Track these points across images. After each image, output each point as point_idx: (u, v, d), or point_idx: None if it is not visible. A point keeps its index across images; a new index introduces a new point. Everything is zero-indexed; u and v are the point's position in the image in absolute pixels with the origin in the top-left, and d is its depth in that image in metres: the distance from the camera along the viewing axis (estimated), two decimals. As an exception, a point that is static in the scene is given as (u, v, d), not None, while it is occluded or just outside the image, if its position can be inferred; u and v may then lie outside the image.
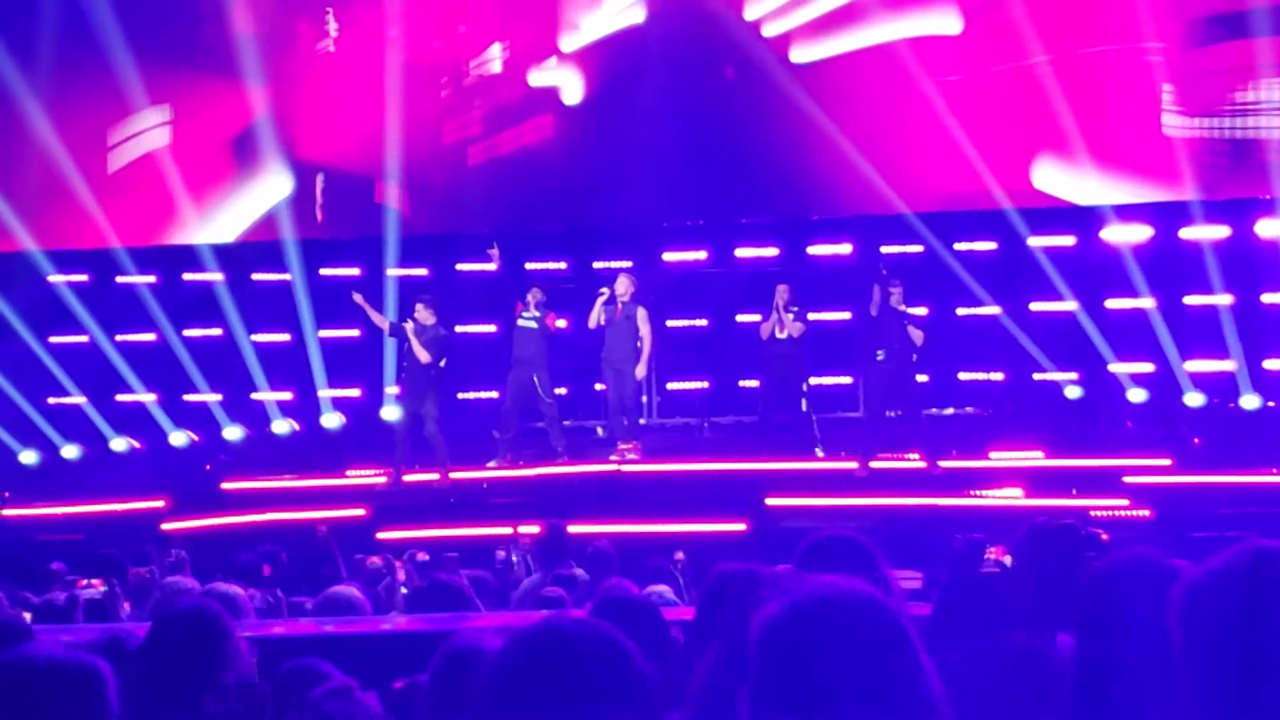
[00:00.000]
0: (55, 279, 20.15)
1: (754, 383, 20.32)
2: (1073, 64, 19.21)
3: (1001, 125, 19.30)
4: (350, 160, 20.05)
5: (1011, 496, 16.29)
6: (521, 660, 2.74)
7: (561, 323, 18.34)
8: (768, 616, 2.67)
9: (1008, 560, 9.36)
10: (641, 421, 18.90)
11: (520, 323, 18.02)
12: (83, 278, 20.35)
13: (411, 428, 17.72)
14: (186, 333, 20.31)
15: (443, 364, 17.60)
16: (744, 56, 20.06)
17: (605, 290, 17.81)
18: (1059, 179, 19.33)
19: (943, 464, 17.25)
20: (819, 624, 2.62)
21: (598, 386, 18.86)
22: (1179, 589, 2.76)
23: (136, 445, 19.92)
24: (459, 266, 20.78)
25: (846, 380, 20.34)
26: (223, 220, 20.35)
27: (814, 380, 18.77)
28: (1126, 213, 19.38)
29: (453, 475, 17.49)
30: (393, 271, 19.98)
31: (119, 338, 20.23)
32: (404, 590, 9.94)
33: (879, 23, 19.70)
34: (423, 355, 17.51)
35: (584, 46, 20.35)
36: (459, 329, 19.36)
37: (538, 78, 20.45)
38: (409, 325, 17.67)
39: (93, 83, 19.73)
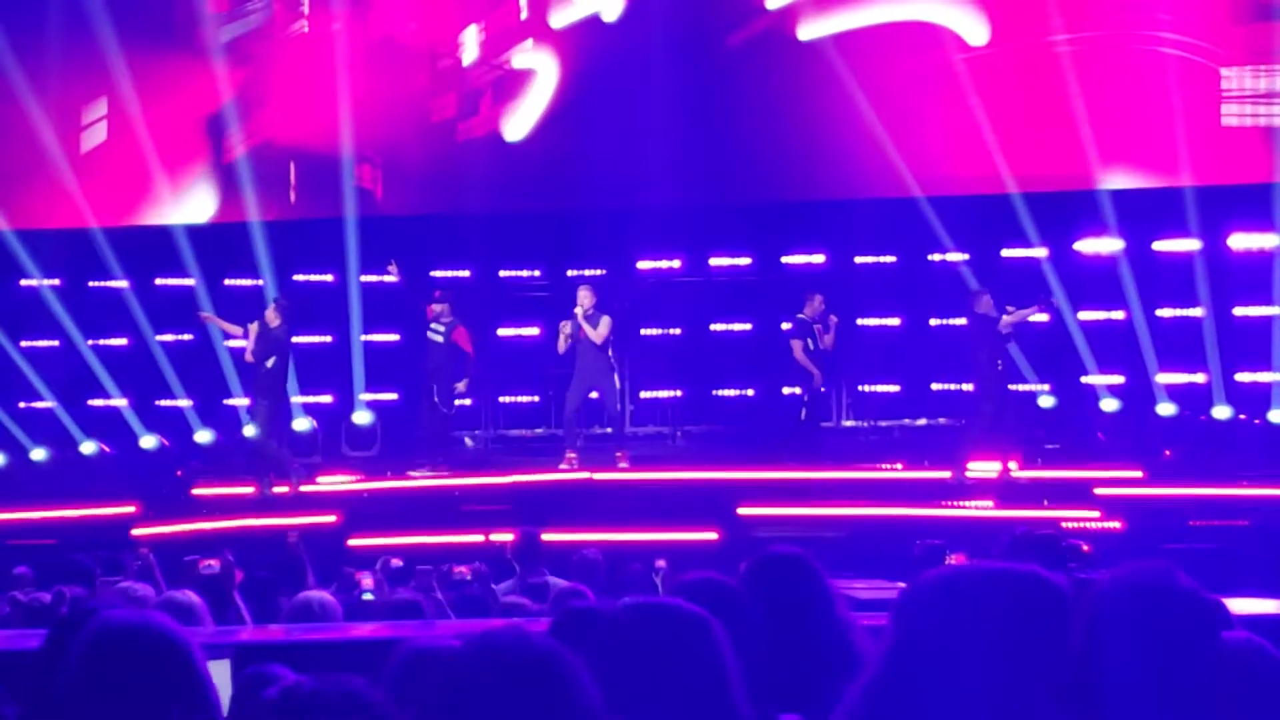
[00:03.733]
0: (29, 282, 20.10)
1: (731, 391, 20.45)
2: (1107, 47, 19.20)
3: (1016, 110, 19.24)
4: (323, 142, 19.98)
5: (983, 507, 16.30)
6: (459, 674, 2.75)
7: (526, 330, 18.33)
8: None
9: None
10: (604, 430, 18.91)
11: (428, 334, 18.06)
12: (55, 281, 20.29)
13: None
14: (160, 337, 20.23)
15: (270, 364, 17.30)
16: (743, 30, 19.95)
17: (567, 324, 17.71)
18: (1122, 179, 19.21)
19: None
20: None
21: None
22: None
23: (106, 449, 19.85)
24: (435, 273, 20.73)
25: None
26: (195, 201, 20.30)
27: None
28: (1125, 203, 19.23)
29: (303, 487, 17.39)
30: (365, 278, 19.98)
31: (91, 341, 20.16)
32: (369, 597, 9.89)
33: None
34: (249, 355, 17.45)
35: (572, 23, 20.23)
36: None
37: (519, 59, 20.39)
38: (254, 325, 17.48)
39: (65, 60, 19.73)
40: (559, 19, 20.19)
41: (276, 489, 17.26)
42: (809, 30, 19.63)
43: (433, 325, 18.07)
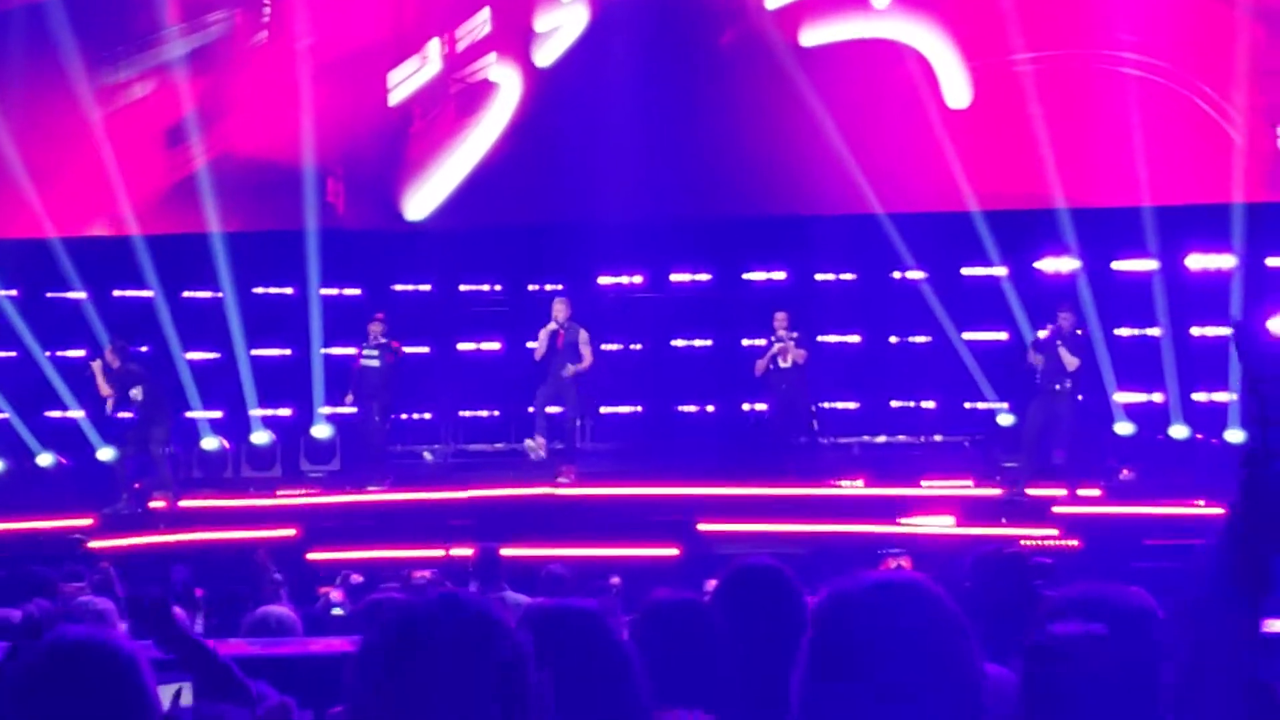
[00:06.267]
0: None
1: (691, 408, 20.49)
2: (1069, 67, 19.34)
3: (977, 127, 19.36)
4: (285, 154, 19.92)
5: (942, 525, 16.34)
6: (381, 640, 2.80)
7: (486, 345, 18.38)
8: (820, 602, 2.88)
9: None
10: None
11: (363, 362, 18.17)
12: (13, 292, 20.15)
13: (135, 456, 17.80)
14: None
15: (135, 394, 17.62)
16: (707, 44, 20.01)
17: (554, 325, 17.85)
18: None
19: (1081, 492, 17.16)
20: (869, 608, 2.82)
21: (530, 409, 18.70)
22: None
23: (63, 461, 19.71)
24: (396, 287, 20.71)
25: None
26: (155, 212, 20.19)
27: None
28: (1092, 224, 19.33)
29: (182, 503, 17.48)
30: (325, 291, 19.96)
31: (49, 353, 20.02)
32: (338, 612, 9.87)
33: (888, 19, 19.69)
34: (104, 389, 17.68)
35: (542, 39, 20.23)
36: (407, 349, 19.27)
37: (486, 70, 20.37)
38: (96, 364, 17.83)
39: (25, 70, 19.66)
40: (546, 20, 20.16)
41: (155, 503, 17.44)
42: (804, 36, 19.68)
43: (366, 351, 18.22)
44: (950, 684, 2.78)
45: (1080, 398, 17.48)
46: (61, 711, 3.29)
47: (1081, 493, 17.17)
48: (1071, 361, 17.20)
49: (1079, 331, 17.51)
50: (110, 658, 3.37)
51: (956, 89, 19.53)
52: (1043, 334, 17.48)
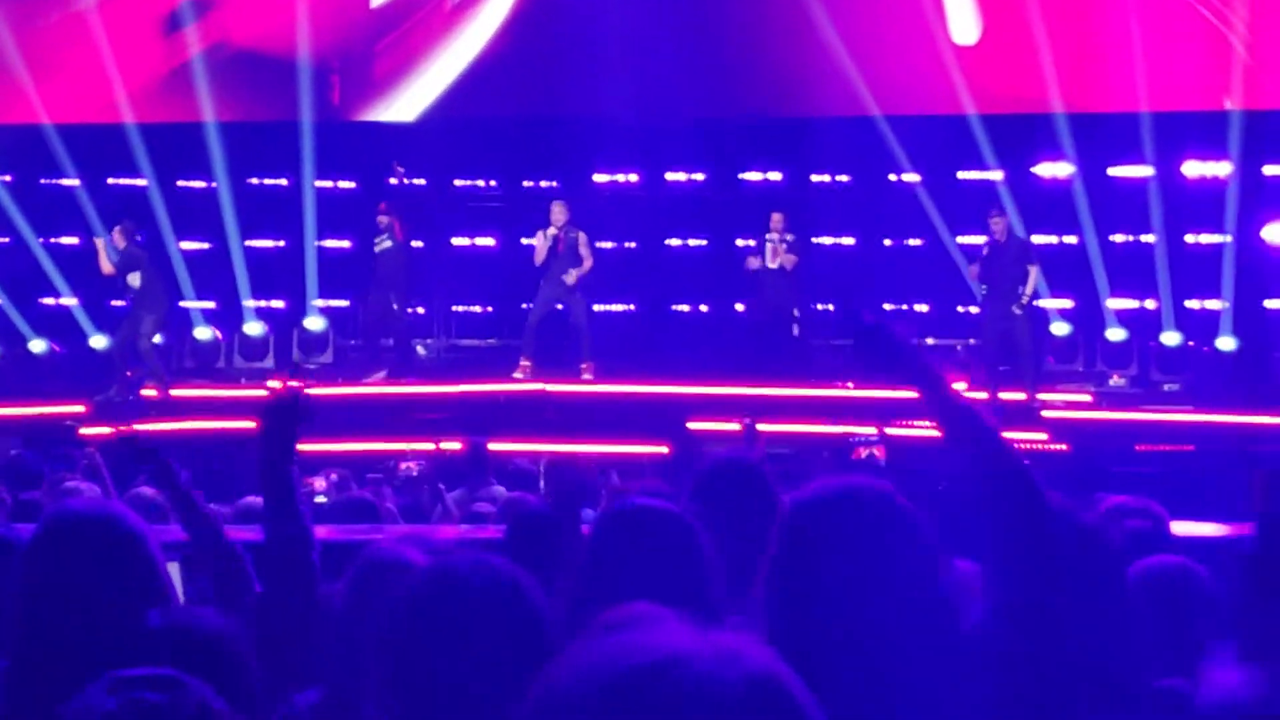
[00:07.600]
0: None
1: (684, 307, 20.48)
2: None
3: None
4: (280, 43, 19.75)
5: (929, 427, 16.31)
6: (425, 594, 2.80)
7: (481, 240, 18.28)
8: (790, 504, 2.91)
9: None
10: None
11: (377, 249, 18.06)
12: (7, 177, 20.06)
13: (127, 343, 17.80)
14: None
15: (133, 280, 17.63)
16: None
17: (554, 230, 17.67)
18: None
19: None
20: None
21: (524, 305, 18.67)
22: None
23: (56, 348, 19.72)
24: (390, 180, 20.62)
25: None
26: (149, 100, 20.04)
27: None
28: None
29: (173, 392, 17.53)
30: (320, 183, 19.89)
31: (42, 239, 19.97)
32: (321, 500, 9.90)
33: None
34: (106, 267, 17.76)
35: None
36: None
37: None
38: (100, 241, 17.96)
39: None
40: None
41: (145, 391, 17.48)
42: None
43: (376, 239, 18.15)
44: (918, 591, 2.78)
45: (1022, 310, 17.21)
46: (69, 582, 3.31)
47: (1069, 398, 17.19)
48: (1031, 278, 17.03)
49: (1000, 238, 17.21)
50: (116, 528, 3.39)
51: (964, 25, 19.36)
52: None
